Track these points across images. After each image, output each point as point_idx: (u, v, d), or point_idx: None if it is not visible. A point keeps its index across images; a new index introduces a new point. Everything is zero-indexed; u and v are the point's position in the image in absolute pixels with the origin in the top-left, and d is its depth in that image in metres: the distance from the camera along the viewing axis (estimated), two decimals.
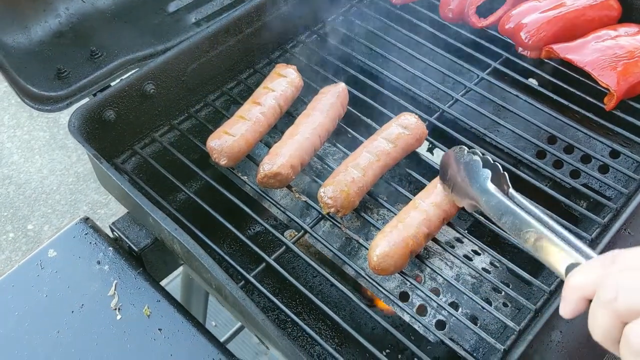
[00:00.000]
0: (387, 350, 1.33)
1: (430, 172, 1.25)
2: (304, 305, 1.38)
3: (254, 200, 1.35)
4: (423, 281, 1.17)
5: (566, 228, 1.16)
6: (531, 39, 1.40)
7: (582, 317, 1.10)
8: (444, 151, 1.33)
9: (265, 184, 1.17)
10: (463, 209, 1.18)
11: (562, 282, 1.09)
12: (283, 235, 1.16)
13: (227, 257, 1.11)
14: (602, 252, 1.13)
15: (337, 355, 1.03)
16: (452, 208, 1.11)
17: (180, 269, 1.90)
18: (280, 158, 1.16)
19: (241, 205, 1.18)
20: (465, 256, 1.19)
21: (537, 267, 1.18)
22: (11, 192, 3.47)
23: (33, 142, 3.72)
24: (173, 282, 2.08)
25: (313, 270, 1.42)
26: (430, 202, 1.09)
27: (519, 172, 1.26)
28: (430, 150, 1.62)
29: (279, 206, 1.20)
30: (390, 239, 1.04)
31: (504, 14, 1.47)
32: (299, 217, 1.21)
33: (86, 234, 1.19)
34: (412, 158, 1.44)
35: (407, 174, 1.28)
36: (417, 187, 1.21)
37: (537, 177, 1.29)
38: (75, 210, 3.36)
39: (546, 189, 1.23)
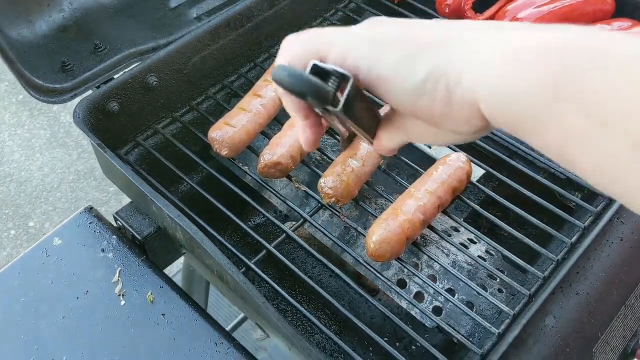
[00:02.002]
0: (386, 339, 1.35)
1: (427, 162, 1.27)
2: (303, 295, 1.41)
3: (254, 193, 1.37)
4: (420, 268, 1.20)
5: (561, 217, 1.19)
6: None
7: (577, 305, 1.13)
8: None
9: (266, 173, 1.20)
10: (459, 197, 1.21)
11: (556, 268, 1.12)
12: (283, 226, 1.19)
13: (228, 245, 1.14)
14: (594, 241, 1.16)
15: (338, 340, 1.05)
16: (447, 195, 1.14)
17: (181, 265, 1.93)
18: (281, 148, 1.19)
19: (242, 194, 1.21)
20: (462, 244, 1.21)
21: (532, 256, 1.21)
22: (12, 190, 3.50)
23: (34, 141, 3.75)
24: (174, 279, 2.11)
25: (313, 261, 1.45)
26: (425, 189, 1.12)
27: (514, 164, 1.29)
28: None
29: (279, 196, 1.22)
30: (386, 226, 1.06)
31: (500, 9, 1.50)
32: (299, 207, 1.23)
33: (90, 223, 1.21)
34: (411, 151, 1.46)
35: (405, 166, 1.31)
36: (416, 178, 1.23)
37: (533, 168, 1.32)
38: (76, 208, 3.38)
39: (542, 179, 1.26)
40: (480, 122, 0.55)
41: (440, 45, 0.55)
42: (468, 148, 1.33)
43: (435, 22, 0.59)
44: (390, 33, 0.58)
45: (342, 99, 0.57)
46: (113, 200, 3.40)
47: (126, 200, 1.29)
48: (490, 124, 0.55)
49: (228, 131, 1.22)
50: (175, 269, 2.30)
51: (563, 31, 0.50)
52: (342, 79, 0.57)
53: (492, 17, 1.50)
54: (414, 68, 0.55)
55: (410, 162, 1.28)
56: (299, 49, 0.61)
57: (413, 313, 1.15)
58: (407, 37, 0.57)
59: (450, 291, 1.17)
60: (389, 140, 0.66)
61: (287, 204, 1.21)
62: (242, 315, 2.24)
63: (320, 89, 0.56)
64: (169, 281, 1.13)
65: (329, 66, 0.57)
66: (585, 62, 0.47)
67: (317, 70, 0.58)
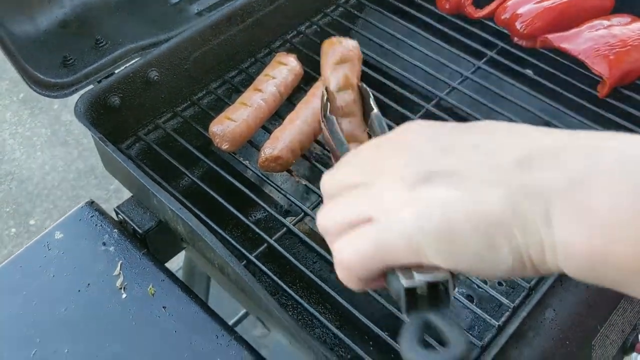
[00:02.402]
0: (386, 333, 1.35)
1: None
2: (304, 290, 1.41)
3: (255, 188, 1.38)
4: None
5: None
6: (526, 29, 1.44)
7: (576, 298, 1.14)
8: None
9: (266, 167, 1.20)
10: None
11: None
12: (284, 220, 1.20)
13: (229, 238, 1.14)
14: None
15: (338, 333, 1.06)
16: None
17: (181, 263, 1.94)
18: (281, 142, 1.19)
19: (243, 188, 1.21)
20: None
21: None
22: (13, 188, 3.50)
23: (35, 139, 3.76)
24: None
25: (313, 256, 1.45)
26: None
27: None
28: None
29: (280, 190, 1.23)
30: None
31: (500, 4, 1.50)
32: (299, 201, 1.24)
33: (92, 216, 1.22)
34: None
35: None
36: None
37: None
38: (76, 206, 3.39)
39: None
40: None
41: (514, 220, 0.49)
42: None
43: (495, 154, 0.51)
44: (453, 202, 0.51)
45: (449, 300, 0.55)
46: (113, 198, 3.41)
47: (127, 198, 1.29)
48: None
49: (229, 125, 1.22)
50: (176, 266, 2.31)
51: None
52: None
53: (492, 13, 1.51)
54: (497, 258, 0.50)
55: None
56: (358, 264, 0.55)
57: None
58: (475, 213, 0.50)
59: None
60: None
61: (288, 198, 1.22)
62: (241, 313, 2.24)
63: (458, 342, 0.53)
64: (170, 274, 1.14)
65: (420, 283, 0.53)
66: None
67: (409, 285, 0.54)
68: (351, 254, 0.55)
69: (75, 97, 1.27)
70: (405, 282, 0.52)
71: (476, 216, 0.49)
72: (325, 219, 0.60)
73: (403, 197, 0.53)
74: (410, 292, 0.54)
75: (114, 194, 3.42)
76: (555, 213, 0.47)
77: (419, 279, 0.52)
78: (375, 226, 0.54)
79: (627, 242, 0.45)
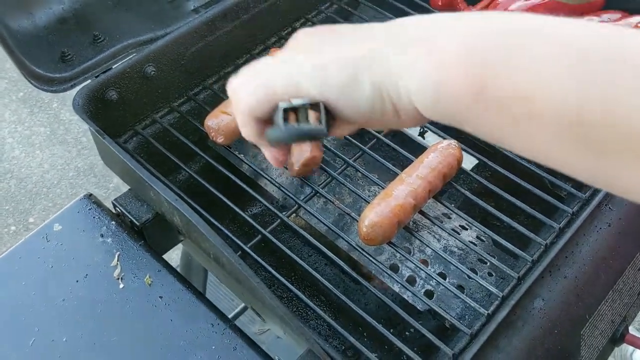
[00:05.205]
0: (380, 323, 1.37)
1: (421, 152, 1.29)
2: (298, 283, 1.43)
3: (251, 182, 1.40)
4: (412, 253, 1.22)
5: (551, 205, 1.21)
6: None
7: (565, 288, 1.15)
8: (436, 134, 1.38)
9: (300, 173, 1.22)
10: (450, 183, 1.24)
11: (544, 252, 1.14)
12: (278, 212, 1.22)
13: (225, 230, 1.16)
14: (582, 226, 1.18)
15: (332, 322, 1.08)
16: (437, 180, 1.16)
17: (179, 259, 1.95)
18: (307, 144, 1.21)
19: (238, 181, 1.24)
20: (453, 230, 1.24)
21: (525, 243, 1.23)
22: (12, 187, 3.52)
23: (34, 138, 3.77)
24: None
25: (308, 249, 1.47)
26: (415, 175, 1.14)
27: (505, 152, 1.32)
28: (421, 134, 1.67)
29: (274, 183, 1.25)
30: (378, 210, 1.09)
31: (492, 2, 1.52)
32: (293, 194, 1.26)
33: (90, 209, 1.24)
34: (405, 141, 1.48)
35: (400, 157, 1.33)
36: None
37: (525, 157, 1.34)
38: None
39: (533, 168, 1.28)
40: (425, 120, 0.61)
41: (376, 59, 0.58)
42: (460, 137, 1.35)
43: (367, 31, 0.62)
44: (328, 54, 0.61)
45: (324, 125, 0.62)
46: (112, 197, 3.40)
47: None
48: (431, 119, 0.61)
49: (224, 119, 1.24)
50: (174, 264, 2.33)
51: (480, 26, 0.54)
52: (310, 107, 0.63)
53: (485, 9, 1.53)
54: (359, 88, 0.59)
55: (406, 153, 1.30)
56: (253, 102, 0.66)
57: (405, 296, 1.18)
58: (345, 56, 0.60)
59: (442, 275, 1.20)
60: (341, 132, 0.70)
61: (282, 190, 1.24)
62: (239, 307, 2.26)
63: (318, 131, 0.62)
64: (167, 265, 1.16)
65: (297, 103, 0.62)
66: (500, 59, 0.51)
67: (285, 110, 0.63)
68: (241, 91, 0.69)
69: (74, 94, 1.29)
70: (284, 105, 0.62)
71: (345, 53, 0.60)
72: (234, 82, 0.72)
73: (284, 59, 0.66)
74: (287, 112, 0.62)
75: (113, 193, 3.44)
76: (410, 52, 0.56)
77: (297, 101, 0.62)
78: (263, 74, 0.67)
79: (459, 73, 0.53)
